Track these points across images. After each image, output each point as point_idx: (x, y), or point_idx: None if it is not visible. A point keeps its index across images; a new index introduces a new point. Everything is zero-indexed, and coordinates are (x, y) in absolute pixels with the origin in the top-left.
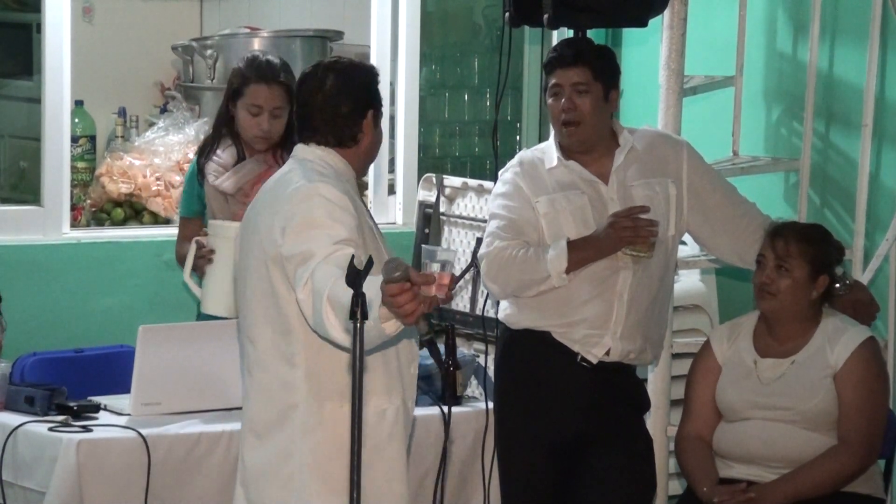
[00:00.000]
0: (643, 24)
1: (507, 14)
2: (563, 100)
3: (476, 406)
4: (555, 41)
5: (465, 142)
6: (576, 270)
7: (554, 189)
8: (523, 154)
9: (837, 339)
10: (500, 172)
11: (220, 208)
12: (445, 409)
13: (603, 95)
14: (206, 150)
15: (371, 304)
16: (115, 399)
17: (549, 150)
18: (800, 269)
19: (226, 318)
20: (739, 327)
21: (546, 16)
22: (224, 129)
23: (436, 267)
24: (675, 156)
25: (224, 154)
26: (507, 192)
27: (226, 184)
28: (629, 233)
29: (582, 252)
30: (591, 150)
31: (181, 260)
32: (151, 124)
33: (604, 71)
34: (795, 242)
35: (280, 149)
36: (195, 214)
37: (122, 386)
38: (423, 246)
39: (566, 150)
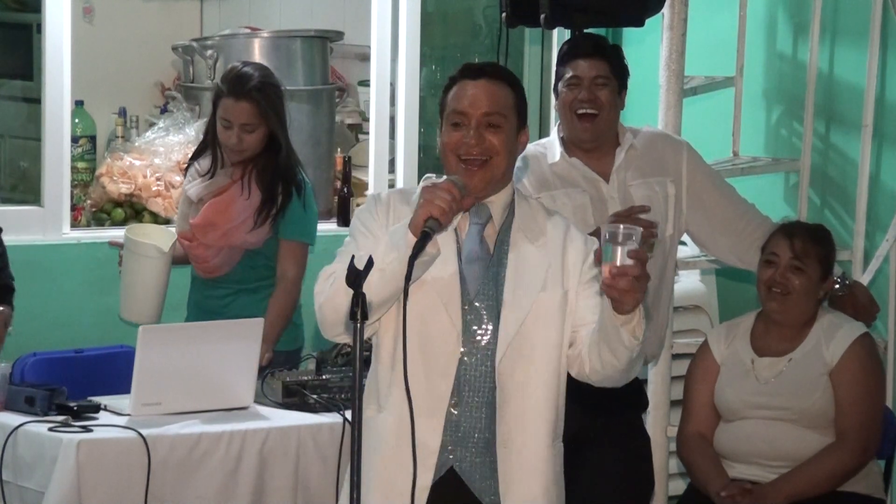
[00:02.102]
0: (640, 23)
1: (503, 15)
2: (581, 91)
3: None
4: (555, 42)
5: None
6: None
7: (555, 185)
8: (526, 150)
9: (832, 336)
10: None
11: (185, 212)
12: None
13: (618, 91)
14: (196, 154)
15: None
16: (115, 399)
17: (551, 146)
18: (813, 270)
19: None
20: (737, 328)
21: (543, 16)
22: (210, 138)
23: (619, 252)
24: (675, 156)
25: (204, 161)
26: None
27: (192, 190)
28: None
29: None
30: (597, 147)
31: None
32: (152, 124)
33: (619, 67)
34: (811, 243)
35: (252, 164)
36: None
37: (122, 386)
38: (604, 227)
39: (569, 147)
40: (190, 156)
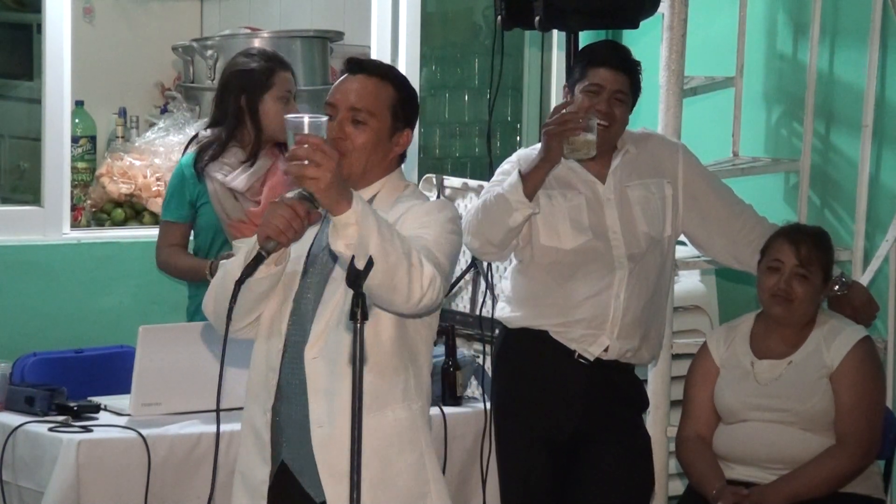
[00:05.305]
0: (634, 25)
1: (499, 17)
2: (600, 101)
3: (475, 407)
4: (555, 44)
5: (465, 142)
6: (538, 193)
7: (551, 186)
8: (521, 152)
9: (833, 340)
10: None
11: (233, 207)
12: (445, 409)
13: (631, 107)
14: (208, 151)
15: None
16: (115, 399)
17: None
18: (817, 276)
19: None
20: (736, 329)
21: (537, 18)
22: (236, 130)
23: (290, 138)
24: (671, 157)
25: (227, 154)
26: (502, 180)
27: (236, 181)
28: (558, 129)
29: (531, 171)
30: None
31: (166, 268)
32: (152, 125)
33: (636, 85)
34: (816, 250)
35: (278, 142)
36: (184, 219)
37: (122, 386)
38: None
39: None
40: (196, 155)
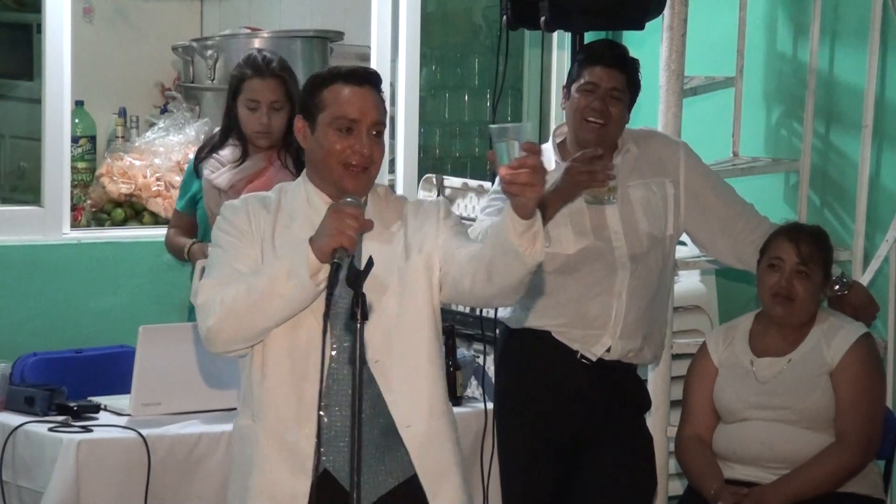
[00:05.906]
0: (640, 26)
1: (504, 17)
2: (595, 99)
3: (476, 407)
4: (555, 44)
5: (466, 142)
6: (567, 266)
7: None
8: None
9: (833, 337)
10: None
11: (216, 203)
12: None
13: (629, 105)
14: (206, 148)
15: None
16: (115, 399)
17: (546, 154)
18: (817, 274)
19: None
20: (735, 329)
21: (543, 18)
22: (229, 129)
23: (515, 147)
24: (673, 156)
25: (225, 151)
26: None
27: (219, 179)
28: (586, 177)
29: (546, 207)
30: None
31: (171, 247)
32: (152, 125)
33: (634, 83)
34: (816, 248)
35: (282, 148)
36: (186, 211)
37: (122, 386)
38: (490, 129)
39: (564, 153)
40: (207, 149)
